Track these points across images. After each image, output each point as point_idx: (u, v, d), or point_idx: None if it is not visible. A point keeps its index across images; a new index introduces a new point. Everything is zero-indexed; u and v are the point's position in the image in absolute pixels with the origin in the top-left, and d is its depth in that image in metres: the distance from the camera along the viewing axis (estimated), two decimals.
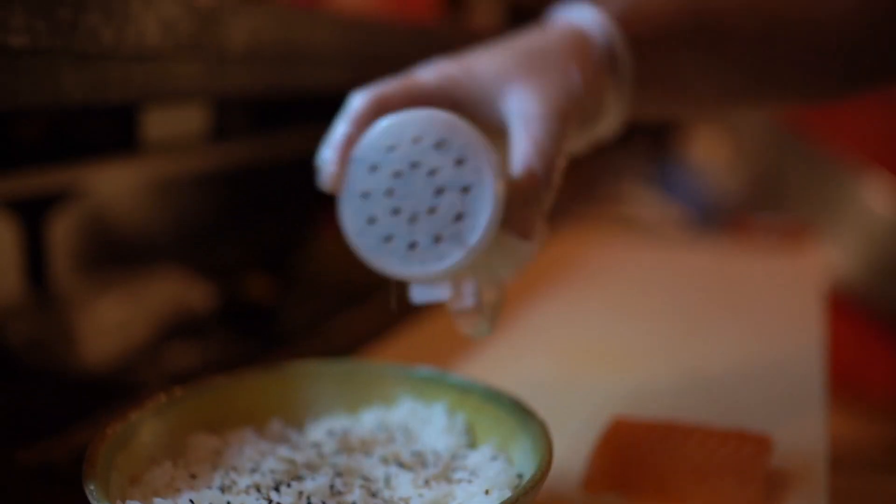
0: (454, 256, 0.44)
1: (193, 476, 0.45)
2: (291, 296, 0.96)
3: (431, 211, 0.44)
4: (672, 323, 0.84)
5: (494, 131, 0.48)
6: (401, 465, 0.46)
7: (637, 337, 0.80)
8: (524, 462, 0.45)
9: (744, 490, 0.49)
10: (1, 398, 0.71)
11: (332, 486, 0.43)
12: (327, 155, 0.46)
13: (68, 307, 0.78)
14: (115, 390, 0.75)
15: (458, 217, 0.44)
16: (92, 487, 0.39)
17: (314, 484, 0.43)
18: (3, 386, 0.73)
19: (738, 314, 0.87)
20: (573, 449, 0.54)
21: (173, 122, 0.75)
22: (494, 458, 0.46)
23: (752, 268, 1.06)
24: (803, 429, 0.60)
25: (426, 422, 0.50)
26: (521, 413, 0.47)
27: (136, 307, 0.84)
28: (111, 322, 0.81)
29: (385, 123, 0.46)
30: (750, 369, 0.71)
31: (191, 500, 0.41)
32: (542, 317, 0.86)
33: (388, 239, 0.45)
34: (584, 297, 0.93)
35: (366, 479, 0.45)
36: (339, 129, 0.47)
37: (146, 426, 0.47)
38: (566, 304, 0.90)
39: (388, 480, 0.45)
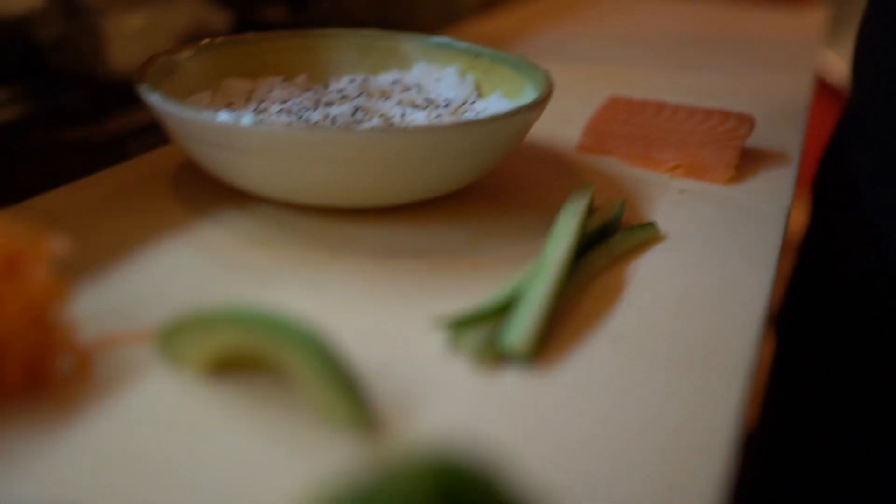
0: None
1: (230, 104, 0.50)
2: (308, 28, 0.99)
3: None
4: (669, 56, 0.88)
5: None
6: (415, 107, 0.51)
7: (637, 61, 0.84)
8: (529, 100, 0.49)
9: (721, 155, 0.54)
10: (33, 95, 0.76)
11: (353, 114, 0.49)
12: None
13: (94, 10, 0.81)
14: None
15: None
16: (145, 85, 0.44)
17: (339, 109, 0.48)
18: (33, 84, 0.77)
19: (733, 54, 0.91)
20: (573, 121, 0.59)
21: None
22: (500, 100, 0.51)
23: (751, 20, 1.08)
24: (784, 129, 0.65)
25: (438, 80, 0.55)
26: (527, 67, 0.52)
27: (158, 18, 0.87)
28: (134, 28, 0.84)
29: None
30: (739, 92, 0.76)
31: (230, 107, 0.47)
32: (547, 43, 0.89)
33: None
34: (584, 34, 0.96)
35: (384, 115, 0.50)
36: None
37: (188, 61, 0.51)
38: (570, 37, 0.94)
39: (403, 116, 0.50)
